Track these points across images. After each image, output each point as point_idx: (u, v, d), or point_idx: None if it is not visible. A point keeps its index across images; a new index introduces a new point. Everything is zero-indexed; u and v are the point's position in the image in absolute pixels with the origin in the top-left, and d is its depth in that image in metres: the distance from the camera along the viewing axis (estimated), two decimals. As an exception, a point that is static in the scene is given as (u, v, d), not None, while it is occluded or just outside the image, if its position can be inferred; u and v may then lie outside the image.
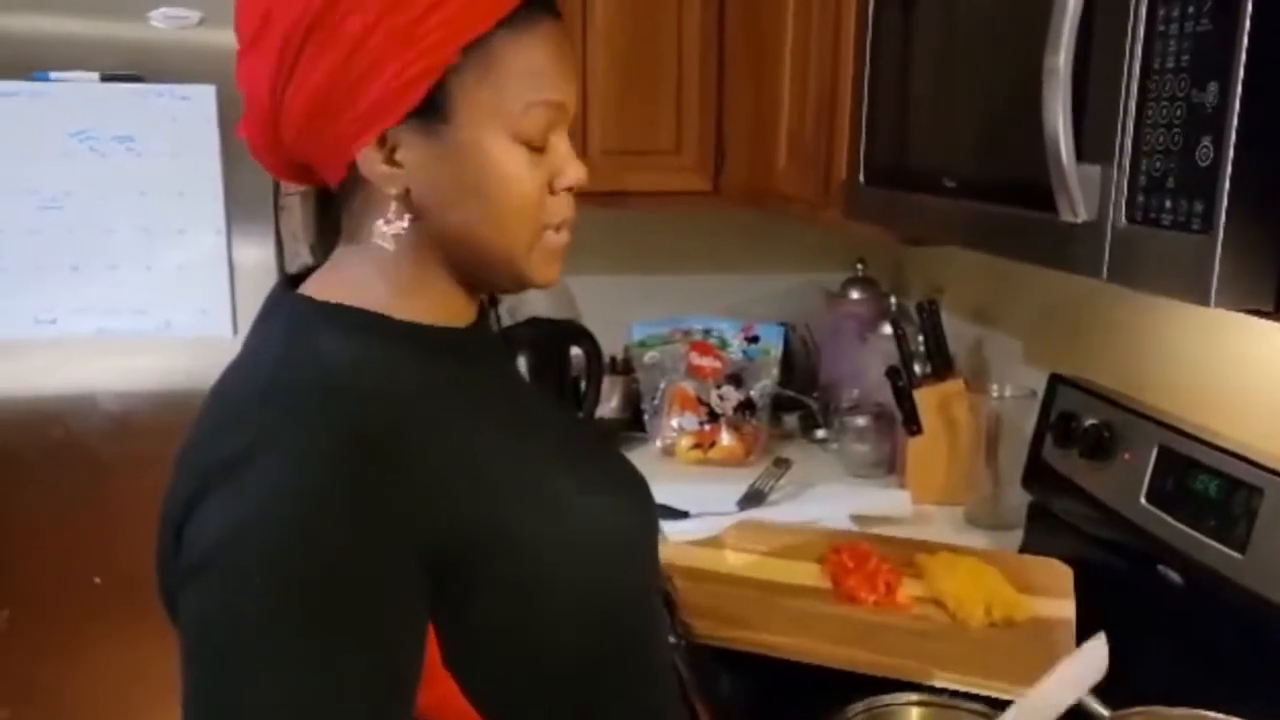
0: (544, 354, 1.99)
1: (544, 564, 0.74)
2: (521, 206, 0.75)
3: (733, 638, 1.04)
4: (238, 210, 1.70)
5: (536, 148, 0.75)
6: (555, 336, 2.03)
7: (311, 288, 0.78)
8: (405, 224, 0.75)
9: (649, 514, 0.88)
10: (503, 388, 0.86)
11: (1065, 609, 1.06)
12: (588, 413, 2.02)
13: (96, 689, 1.78)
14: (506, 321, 2.19)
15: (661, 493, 1.73)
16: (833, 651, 1.01)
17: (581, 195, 2.19)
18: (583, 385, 2.03)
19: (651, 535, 0.87)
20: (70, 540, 1.75)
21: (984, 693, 0.98)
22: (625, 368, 2.22)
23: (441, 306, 0.78)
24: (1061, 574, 1.14)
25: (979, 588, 1.09)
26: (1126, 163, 0.86)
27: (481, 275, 0.79)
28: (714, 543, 1.29)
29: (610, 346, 2.13)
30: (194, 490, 0.67)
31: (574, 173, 0.78)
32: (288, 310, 0.77)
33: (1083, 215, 0.90)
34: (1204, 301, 0.77)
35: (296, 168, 0.78)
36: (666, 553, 1.24)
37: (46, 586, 1.76)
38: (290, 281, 0.81)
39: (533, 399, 0.91)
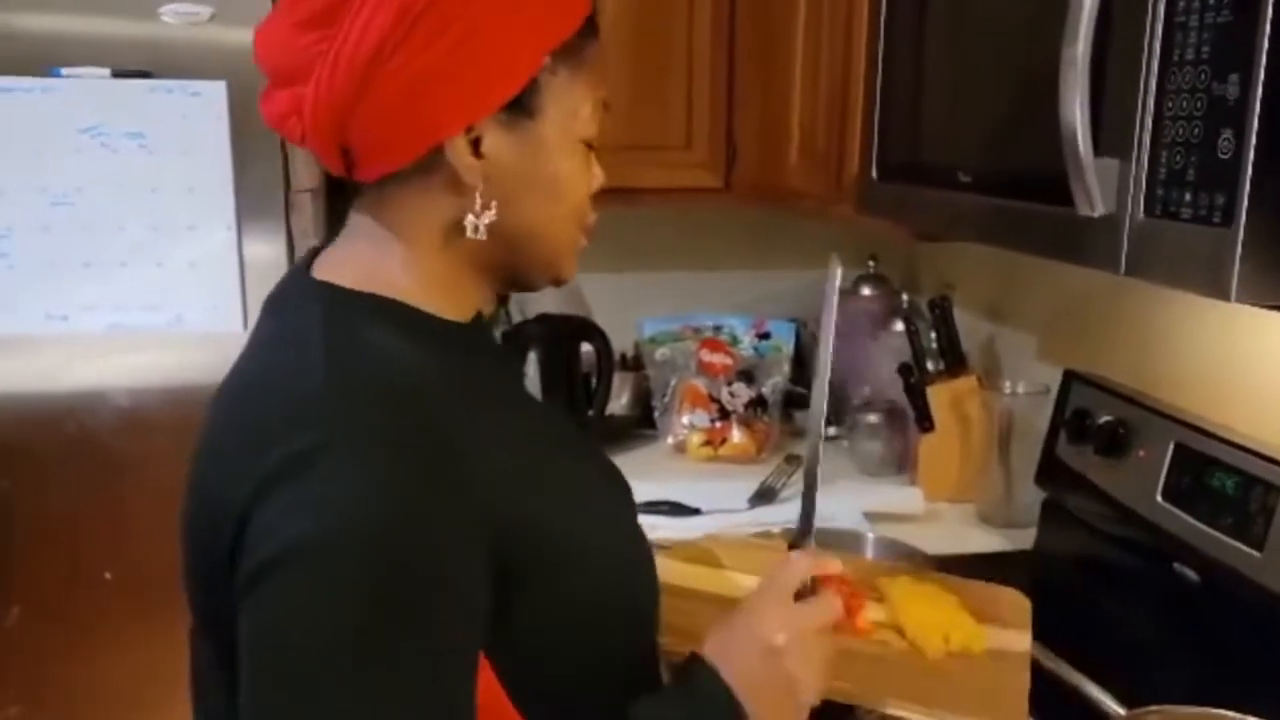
0: (554, 351, 1.99)
1: (579, 551, 0.75)
2: (580, 205, 0.78)
3: (677, 654, 1.04)
4: (248, 206, 1.70)
5: (591, 148, 0.78)
6: (565, 333, 2.02)
7: (336, 274, 0.76)
8: (494, 214, 0.74)
9: (633, 507, 0.89)
10: (508, 382, 0.88)
11: (1021, 642, 1.05)
12: (598, 410, 2.01)
13: (107, 687, 1.78)
14: (517, 318, 2.19)
15: (673, 490, 1.76)
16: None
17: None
18: (593, 382, 2.02)
19: (646, 541, 0.87)
20: (81, 536, 1.75)
21: None
22: (636, 364, 2.21)
23: (466, 302, 0.79)
24: (1021, 606, 1.12)
25: (939, 616, 1.07)
26: (1145, 156, 0.85)
27: (521, 270, 0.79)
28: (679, 553, 1.27)
29: (621, 343, 2.12)
30: (260, 482, 0.65)
31: (601, 176, 0.81)
32: (323, 298, 0.75)
33: (1100, 209, 0.89)
34: (1224, 296, 0.76)
35: (342, 150, 0.73)
36: None
37: (57, 583, 1.76)
38: (306, 264, 0.79)
39: (528, 394, 0.92)
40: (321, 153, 0.74)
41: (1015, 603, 1.14)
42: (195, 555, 0.73)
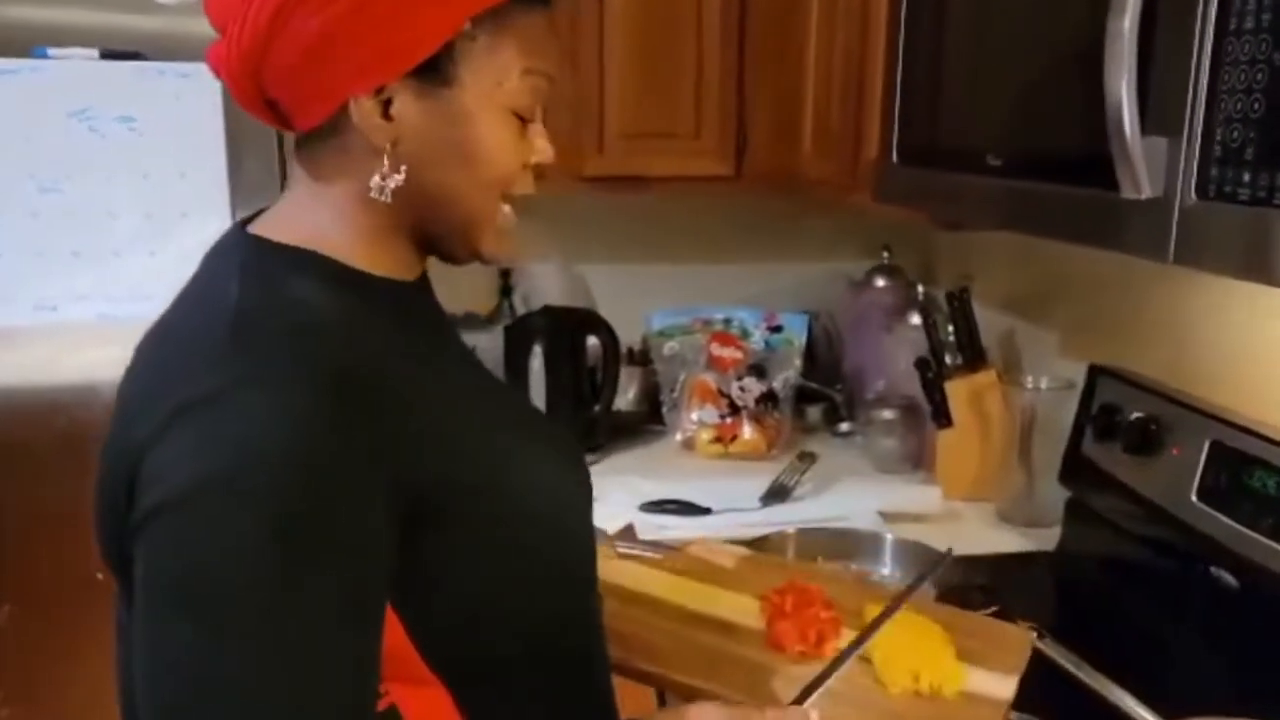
0: (558, 344, 1.93)
1: (498, 519, 0.75)
2: (500, 177, 0.76)
3: (639, 670, 0.99)
4: (242, 193, 1.65)
5: (525, 121, 0.76)
6: (570, 326, 1.97)
7: (267, 229, 0.77)
8: (402, 177, 0.74)
9: (589, 491, 0.88)
10: (450, 347, 0.87)
11: (1005, 688, 0.98)
12: (604, 405, 1.96)
13: (100, 688, 1.73)
14: (520, 310, 2.14)
15: (682, 489, 1.71)
16: (730, 699, 0.94)
17: (599, 180, 2.13)
18: (599, 377, 1.97)
19: (591, 514, 0.87)
20: (73, 533, 1.69)
21: None
22: (643, 359, 2.16)
23: (396, 260, 0.78)
24: (1019, 646, 1.04)
25: (913, 651, 1.00)
26: (1198, 133, 0.80)
27: (435, 238, 0.79)
28: (661, 563, 1.22)
29: (628, 337, 2.06)
30: (154, 433, 0.65)
31: (547, 150, 0.79)
32: (245, 250, 0.75)
33: (1147, 191, 0.83)
34: (1290, 283, 0.70)
35: (267, 103, 0.75)
36: (609, 569, 1.17)
37: (48, 581, 1.71)
38: (244, 222, 0.79)
39: (477, 364, 0.91)
40: (246, 104, 0.75)
41: (1015, 643, 1.06)
42: (101, 502, 0.73)
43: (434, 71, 0.71)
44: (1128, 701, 1.07)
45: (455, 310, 2.15)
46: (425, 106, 0.72)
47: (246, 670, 0.62)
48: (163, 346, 0.74)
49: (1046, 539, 1.58)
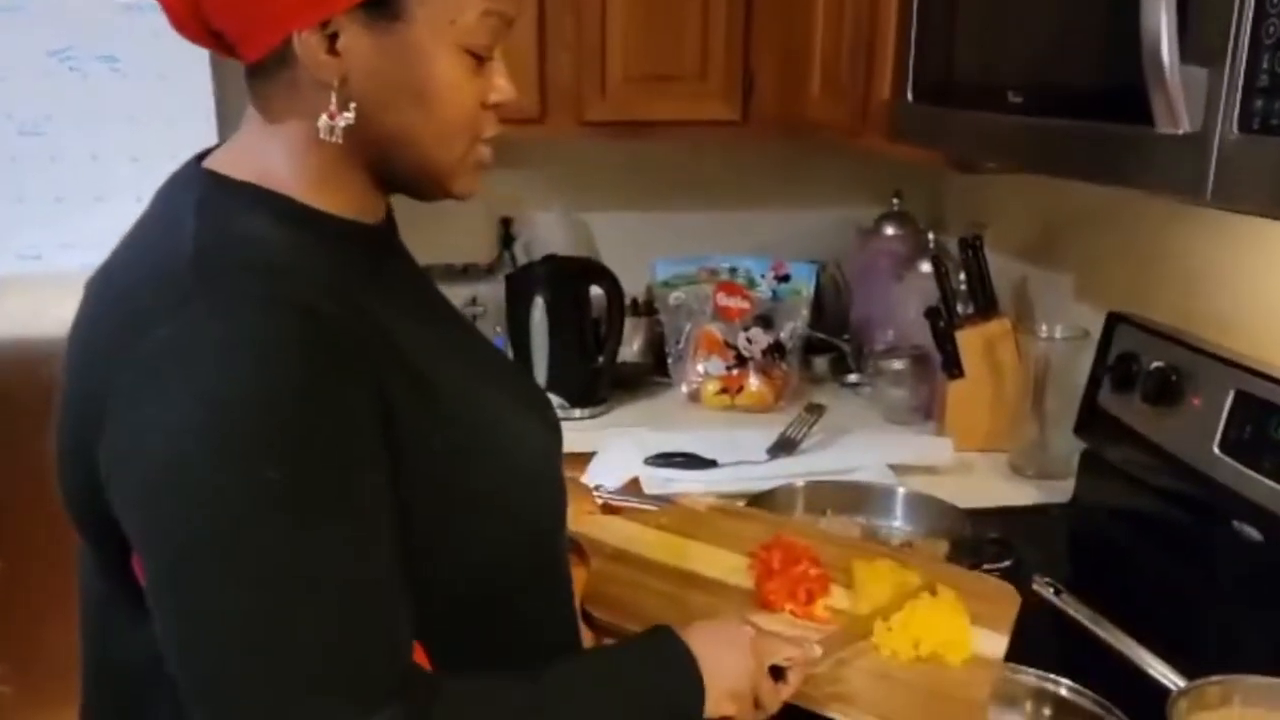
0: (561, 294, 1.89)
1: (465, 458, 0.73)
2: (458, 116, 0.73)
3: (628, 632, 0.96)
4: (232, 133, 1.60)
5: (480, 59, 0.73)
6: (573, 275, 1.92)
7: (222, 164, 0.74)
8: (352, 116, 0.70)
9: (558, 440, 0.88)
10: (417, 290, 0.86)
11: (998, 647, 0.94)
12: (608, 357, 1.91)
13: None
14: (522, 260, 2.09)
15: (688, 441, 1.68)
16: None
17: (601, 125, 2.06)
18: (602, 328, 1.92)
19: (560, 464, 0.87)
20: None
21: None
22: (648, 309, 2.12)
23: (353, 200, 0.77)
24: (1007, 603, 1.01)
25: (914, 618, 0.97)
26: (1242, 62, 0.74)
27: (401, 178, 0.76)
28: (649, 518, 1.19)
29: (632, 286, 2.02)
30: (121, 378, 0.64)
31: (508, 89, 0.76)
32: (200, 187, 0.73)
33: (1185, 125, 0.78)
34: (1344, 220, 0.65)
35: (213, 35, 0.72)
36: (596, 527, 1.17)
37: (42, 537, 1.68)
38: (199, 157, 0.77)
39: (449, 310, 0.89)
40: (188, 34, 0.73)
41: (1002, 599, 1.03)
42: (65, 457, 0.71)
43: (383, 5, 0.68)
44: (1146, 657, 1.03)
45: (455, 261, 2.10)
46: (374, 42, 0.69)
47: (279, 620, 0.62)
48: (117, 286, 0.72)
49: (1060, 491, 1.55)
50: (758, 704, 0.82)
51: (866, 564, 1.05)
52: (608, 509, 1.39)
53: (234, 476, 0.61)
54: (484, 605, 0.77)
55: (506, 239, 2.15)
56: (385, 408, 0.68)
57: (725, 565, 1.08)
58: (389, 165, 0.74)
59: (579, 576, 1.05)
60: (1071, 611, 1.11)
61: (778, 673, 0.84)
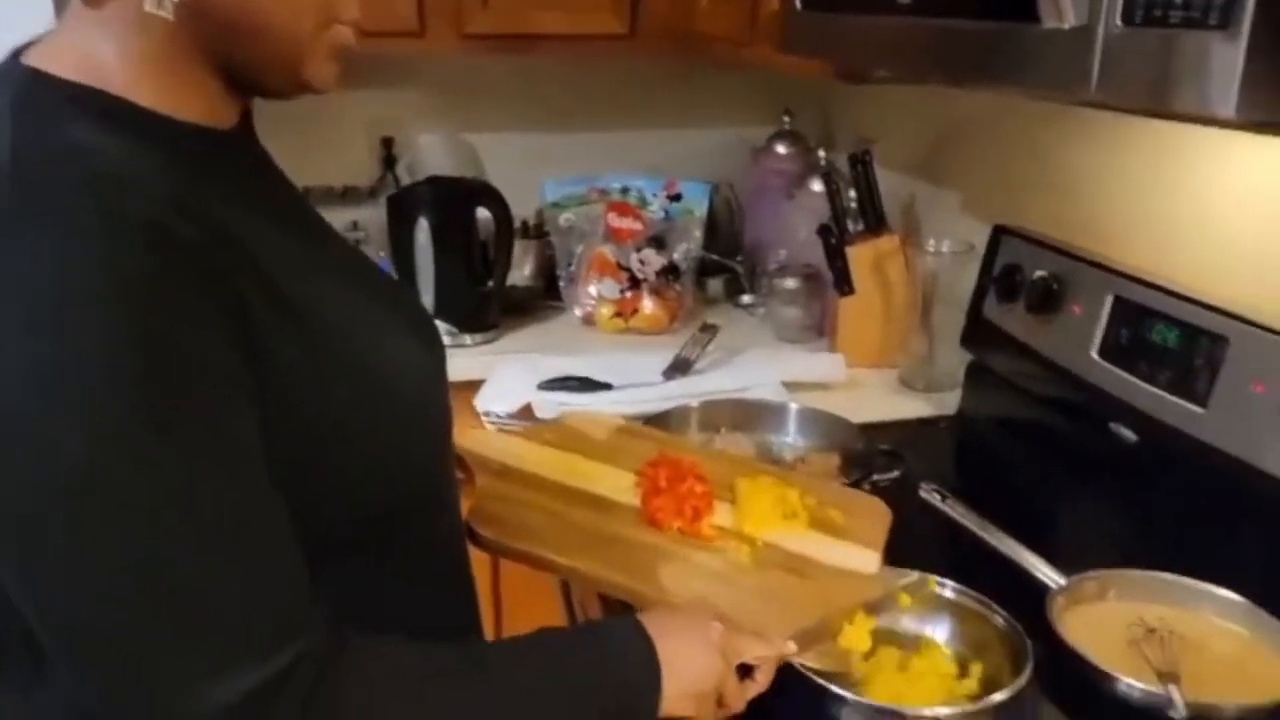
0: (446, 216, 1.82)
1: (337, 386, 0.68)
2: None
3: (517, 551, 0.95)
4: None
5: None
6: (458, 197, 1.85)
7: (42, 59, 0.65)
8: None
9: (440, 355, 0.84)
10: (282, 204, 0.79)
11: (871, 562, 0.97)
12: (498, 281, 1.86)
13: None
14: (405, 181, 2.01)
15: (583, 365, 1.65)
16: (609, 579, 0.92)
17: (482, 39, 1.97)
18: (491, 251, 1.87)
19: (443, 380, 0.83)
20: None
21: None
22: (538, 231, 2.06)
23: (197, 100, 0.69)
24: (881, 519, 1.04)
25: (778, 516, 1.00)
26: (1126, -49, 0.73)
27: (247, 66, 0.68)
28: (536, 434, 1.17)
29: (520, 209, 1.96)
30: None
31: None
32: (18, 85, 0.65)
33: (1070, 19, 0.77)
34: (1224, 110, 0.65)
35: None
36: (480, 443, 1.15)
37: None
38: (17, 51, 0.68)
39: (321, 226, 0.83)
40: None
41: (877, 514, 1.05)
42: None
43: None
44: (1027, 557, 1.06)
45: (334, 184, 2.01)
46: None
47: (157, 565, 0.57)
48: None
49: (949, 403, 1.58)
50: (721, 702, 0.79)
51: (749, 481, 1.05)
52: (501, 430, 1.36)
53: (90, 421, 0.56)
54: (366, 537, 0.72)
55: (388, 160, 2.06)
56: (248, 334, 0.62)
57: (613, 483, 1.06)
58: (229, 50, 0.67)
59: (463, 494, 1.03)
60: (957, 516, 1.13)
61: (745, 670, 0.81)
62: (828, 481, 1.22)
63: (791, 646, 0.83)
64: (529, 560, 0.96)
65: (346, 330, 0.72)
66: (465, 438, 1.10)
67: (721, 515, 1.01)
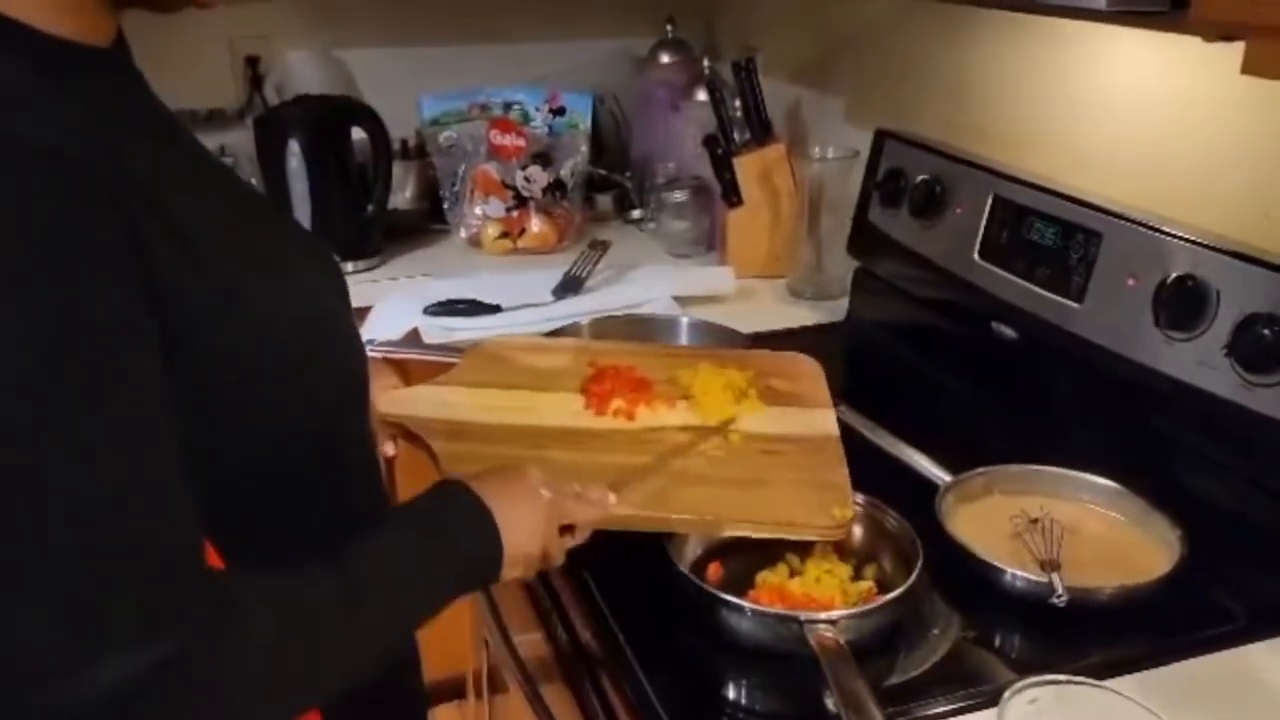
0: (319, 138, 1.73)
1: (240, 318, 0.64)
2: None
3: None
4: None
5: None
6: (331, 117, 1.77)
7: None
8: None
9: (342, 285, 0.81)
10: (162, 127, 0.72)
11: (828, 423, 0.99)
12: (378, 204, 1.79)
13: None
14: (273, 101, 1.90)
15: (470, 287, 1.60)
16: (647, 516, 0.89)
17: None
18: (369, 173, 1.79)
19: (348, 309, 0.80)
20: None
21: (784, 536, 0.90)
22: (418, 151, 1.99)
23: (68, 14, 0.62)
24: (816, 375, 1.07)
25: (732, 400, 1.02)
26: None
27: None
28: (458, 376, 1.11)
29: (398, 128, 1.88)
30: None
31: None
32: None
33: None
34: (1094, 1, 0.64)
35: None
36: (408, 404, 1.06)
37: None
38: None
39: (199, 148, 0.77)
40: None
41: (810, 373, 1.08)
42: None
43: None
44: (916, 458, 1.08)
45: (197, 106, 1.89)
46: None
47: (31, 531, 0.51)
48: None
49: (837, 310, 1.59)
50: (545, 560, 0.81)
51: (693, 372, 1.05)
52: (388, 364, 1.32)
53: None
54: (280, 480, 0.68)
55: (255, 80, 1.95)
56: (148, 266, 0.56)
57: (564, 410, 1.03)
58: None
59: (420, 465, 0.99)
60: (848, 420, 1.14)
61: (565, 525, 0.83)
62: (753, 351, 1.22)
63: (612, 498, 0.88)
64: None
65: (247, 258, 0.67)
66: (389, 402, 1.04)
67: (682, 413, 1.00)
